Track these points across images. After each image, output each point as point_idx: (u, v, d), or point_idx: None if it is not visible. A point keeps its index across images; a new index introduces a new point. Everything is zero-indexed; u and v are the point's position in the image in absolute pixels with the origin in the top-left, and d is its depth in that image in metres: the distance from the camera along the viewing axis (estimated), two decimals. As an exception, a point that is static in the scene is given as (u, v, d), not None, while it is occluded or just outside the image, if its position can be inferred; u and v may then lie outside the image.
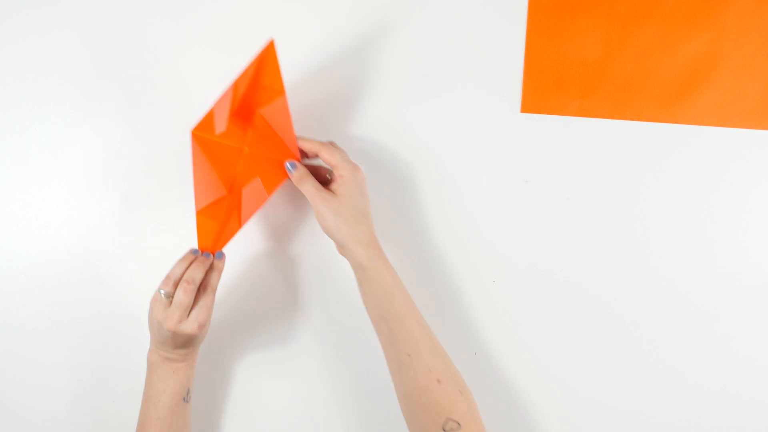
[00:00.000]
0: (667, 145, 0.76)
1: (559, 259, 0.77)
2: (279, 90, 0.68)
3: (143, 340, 0.77)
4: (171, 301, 0.67)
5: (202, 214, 0.70)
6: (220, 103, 0.67)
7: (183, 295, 0.67)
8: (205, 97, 0.78)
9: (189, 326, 0.67)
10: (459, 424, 0.63)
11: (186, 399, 0.70)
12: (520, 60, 0.76)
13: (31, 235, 0.78)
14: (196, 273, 0.68)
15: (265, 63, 0.67)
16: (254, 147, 0.70)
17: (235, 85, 0.66)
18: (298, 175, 0.70)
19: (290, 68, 0.77)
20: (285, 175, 0.72)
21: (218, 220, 0.71)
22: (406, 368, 0.65)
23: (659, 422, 0.77)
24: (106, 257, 0.78)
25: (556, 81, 0.75)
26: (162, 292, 0.68)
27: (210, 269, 0.70)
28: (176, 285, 0.67)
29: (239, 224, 0.71)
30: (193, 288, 0.67)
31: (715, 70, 0.74)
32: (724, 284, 0.76)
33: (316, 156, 0.71)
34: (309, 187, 0.69)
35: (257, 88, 0.68)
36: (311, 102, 0.78)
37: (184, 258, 0.69)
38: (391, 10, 0.77)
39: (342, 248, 0.69)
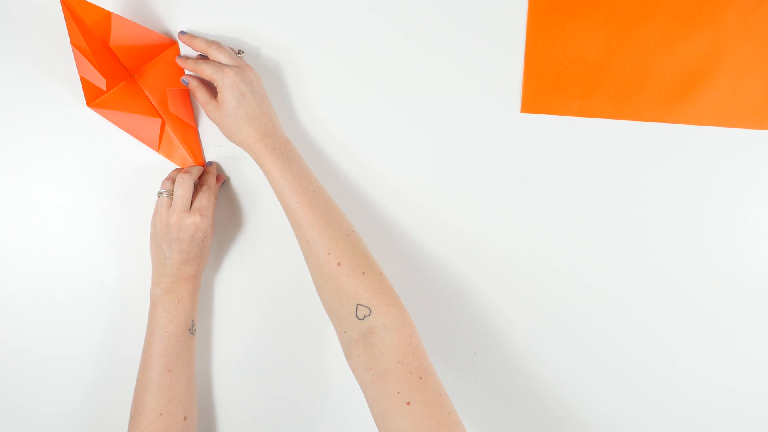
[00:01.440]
0: (667, 145, 0.76)
1: (559, 259, 0.77)
2: (102, 14, 0.70)
3: (143, 339, 0.78)
4: (175, 202, 0.70)
5: (164, 152, 0.76)
6: (81, 68, 0.71)
7: (181, 188, 0.70)
8: (205, 97, 0.78)
9: (192, 216, 0.69)
10: (369, 309, 0.61)
11: (191, 330, 0.70)
12: (520, 60, 0.76)
13: (31, 235, 0.78)
14: (192, 169, 0.73)
15: (73, 7, 0.68)
16: (137, 68, 0.75)
17: (76, 46, 0.69)
18: (191, 88, 0.73)
19: (291, 70, 0.78)
20: (179, 65, 0.76)
21: (178, 141, 0.76)
22: (308, 255, 0.65)
23: (659, 422, 0.77)
24: (106, 257, 0.78)
25: (556, 81, 0.75)
26: (163, 191, 0.71)
27: (204, 173, 0.74)
28: (171, 186, 0.71)
29: (194, 129, 0.77)
30: (190, 179, 0.71)
31: (715, 70, 0.74)
32: (724, 284, 0.76)
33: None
34: (199, 98, 0.72)
35: (89, 30, 0.70)
36: (310, 102, 0.78)
37: (176, 168, 0.75)
38: (391, 9, 0.77)
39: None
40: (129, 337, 0.78)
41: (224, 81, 0.68)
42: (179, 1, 0.77)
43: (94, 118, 0.78)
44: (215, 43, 0.72)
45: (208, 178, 0.74)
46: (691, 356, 0.76)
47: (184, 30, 0.75)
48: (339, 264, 0.63)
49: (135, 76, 0.76)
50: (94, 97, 0.74)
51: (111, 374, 0.78)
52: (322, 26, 0.77)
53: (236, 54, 0.73)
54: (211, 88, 0.73)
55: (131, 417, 0.69)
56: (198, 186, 0.73)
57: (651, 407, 0.77)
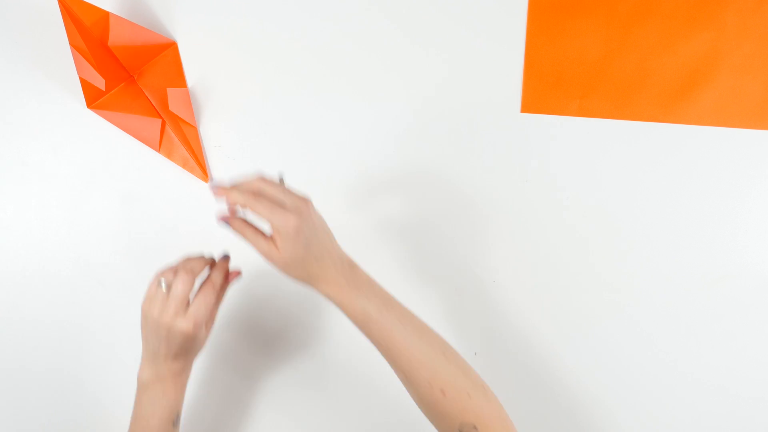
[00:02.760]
0: (667, 145, 0.76)
1: (558, 259, 0.77)
2: (100, 14, 0.70)
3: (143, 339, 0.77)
4: (172, 298, 0.62)
5: (164, 152, 0.76)
6: (80, 69, 0.71)
7: (180, 285, 0.62)
8: (205, 96, 0.78)
9: (185, 322, 0.61)
10: (475, 427, 0.60)
11: (175, 423, 0.67)
12: (520, 60, 0.76)
13: (31, 235, 0.78)
14: (196, 264, 0.64)
15: (71, 7, 0.68)
16: (136, 69, 0.75)
17: (74, 46, 0.69)
18: (237, 229, 0.62)
19: (291, 69, 0.78)
20: (177, 59, 0.76)
21: (179, 141, 0.75)
22: (408, 385, 0.62)
23: (659, 422, 0.76)
24: (106, 257, 0.78)
25: (556, 81, 0.75)
26: (162, 281, 0.63)
27: (213, 268, 0.65)
28: (170, 280, 0.63)
29: (194, 129, 0.76)
30: (191, 279, 0.63)
31: (715, 71, 0.74)
32: (724, 284, 0.76)
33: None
34: (252, 243, 0.62)
35: (87, 31, 0.70)
36: (309, 103, 0.78)
37: (187, 255, 0.65)
38: (390, 9, 0.77)
39: None
40: (129, 337, 0.78)
41: (286, 228, 0.59)
42: (177, 1, 0.77)
43: (94, 118, 0.78)
44: (260, 182, 0.61)
45: (214, 275, 0.65)
46: (691, 357, 0.76)
47: (213, 179, 0.70)
48: (443, 392, 0.61)
49: (135, 77, 0.76)
50: (94, 99, 0.74)
51: (110, 375, 0.78)
52: (320, 25, 0.77)
53: (281, 181, 0.63)
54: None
55: None
56: (203, 284, 0.64)
57: (651, 408, 0.77)
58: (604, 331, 0.77)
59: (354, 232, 0.78)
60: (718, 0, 0.73)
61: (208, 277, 0.65)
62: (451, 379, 0.61)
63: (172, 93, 0.75)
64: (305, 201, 0.62)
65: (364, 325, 0.61)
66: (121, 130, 0.78)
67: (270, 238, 0.61)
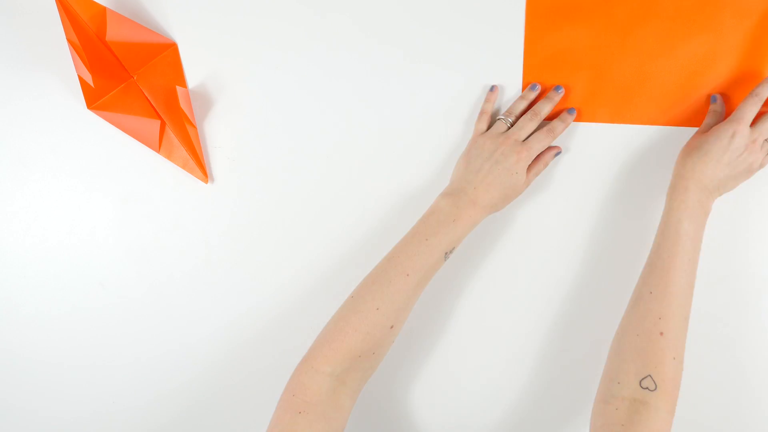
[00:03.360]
0: (667, 146, 0.76)
1: (558, 259, 0.77)
2: (97, 9, 0.70)
3: (143, 339, 0.78)
4: (512, 131, 0.69)
5: (164, 153, 0.76)
6: (79, 69, 0.71)
7: (529, 123, 0.70)
8: (205, 97, 0.78)
9: (521, 148, 0.68)
10: (656, 386, 0.61)
11: (446, 256, 0.67)
12: (519, 65, 0.76)
13: (31, 235, 0.78)
14: (544, 106, 0.71)
15: (68, 2, 0.69)
16: (136, 69, 0.75)
17: (71, 42, 0.69)
18: (712, 109, 0.71)
19: (291, 69, 0.78)
20: (177, 59, 0.76)
21: (179, 142, 0.75)
22: (640, 303, 0.64)
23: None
24: (106, 257, 0.78)
25: (554, 85, 0.75)
26: (505, 118, 0.71)
27: (557, 119, 0.72)
28: (518, 117, 0.71)
29: (194, 129, 0.76)
30: (538, 120, 0.71)
31: (714, 73, 0.74)
32: (724, 285, 0.76)
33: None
34: (710, 120, 0.72)
35: (83, 26, 0.70)
36: (310, 103, 0.78)
37: (523, 95, 0.73)
38: (389, 9, 0.77)
39: None
40: (128, 337, 0.78)
41: (727, 126, 0.67)
42: (177, 1, 0.77)
43: (94, 118, 0.78)
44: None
45: (556, 125, 0.72)
46: (692, 357, 0.76)
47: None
48: (662, 334, 0.63)
49: (135, 78, 0.76)
50: (94, 100, 0.74)
51: (110, 375, 0.78)
52: (321, 26, 0.77)
53: None
54: None
55: (351, 296, 0.66)
56: (543, 129, 0.71)
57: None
58: (603, 331, 0.76)
59: (353, 234, 0.78)
60: (716, 2, 0.73)
61: (550, 124, 0.71)
62: (679, 335, 0.63)
63: (172, 94, 0.75)
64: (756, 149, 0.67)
65: (664, 230, 0.66)
66: (121, 131, 0.78)
67: None
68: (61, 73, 0.78)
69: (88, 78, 0.72)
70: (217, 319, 0.77)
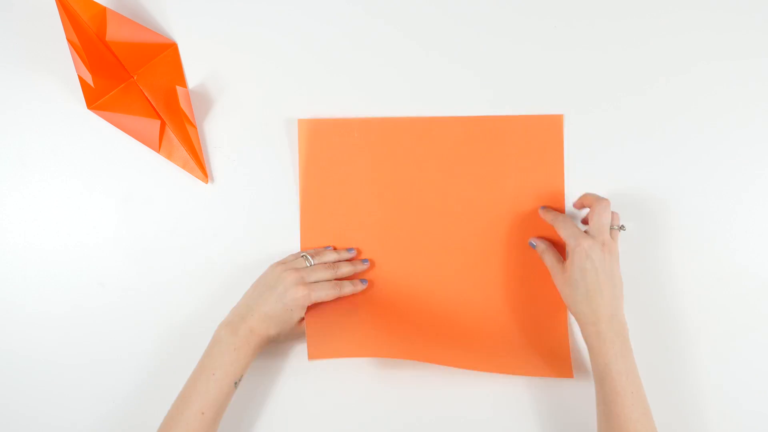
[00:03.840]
0: (667, 145, 0.76)
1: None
2: (97, 9, 0.70)
3: (143, 340, 0.78)
4: (304, 269, 0.71)
5: (164, 153, 0.76)
6: (79, 68, 0.71)
7: (323, 271, 0.72)
8: (205, 97, 0.78)
9: (304, 289, 0.69)
10: None
11: (236, 384, 0.68)
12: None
13: (31, 235, 0.78)
14: (346, 267, 0.74)
15: (68, 2, 0.69)
16: (136, 69, 0.75)
17: (71, 42, 0.69)
18: (539, 251, 0.74)
19: (291, 68, 0.78)
20: (177, 59, 0.76)
21: (178, 142, 0.75)
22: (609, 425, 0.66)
23: (659, 423, 0.76)
24: (106, 257, 0.78)
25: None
26: (309, 257, 0.72)
27: (351, 282, 0.74)
28: (319, 262, 0.73)
29: (194, 129, 0.75)
30: (333, 275, 0.72)
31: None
32: (723, 284, 0.76)
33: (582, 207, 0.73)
34: (545, 261, 0.72)
35: (83, 26, 0.70)
36: (309, 104, 0.78)
37: (339, 252, 0.75)
38: (391, 11, 0.77)
39: None
40: (128, 338, 0.78)
41: (576, 249, 0.67)
42: (177, 1, 0.77)
43: (94, 118, 0.78)
44: (603, 203, 0.69)
45: (344, 285, 0.73)
46: (692, 357, 0.76)
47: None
48: None
49: (135, 78, 0.76)
50: (94, 100, 0.74)
51: (110, 375, 0.78)
52: (321, 26, 0.77)
53: (617, 227, 0.71)
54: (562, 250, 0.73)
55: None
56: (335, 282, 0.73)
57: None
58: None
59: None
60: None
61: (342, 282, 0.73)
62: None
63: (172, 94, 0.75)
64: (610, 243, 0.68)
65: (599, 377, 0.67)
66: (121, 131, 0.78)
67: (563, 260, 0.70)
68: (61, 73, 0.78)
69: (88, 78, 0.72)
70: (217, 319, 0.77)
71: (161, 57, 0.76)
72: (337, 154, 0.75)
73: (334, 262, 0.74)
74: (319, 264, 0.73)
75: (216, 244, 0.78)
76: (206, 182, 0.78)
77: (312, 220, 0.76)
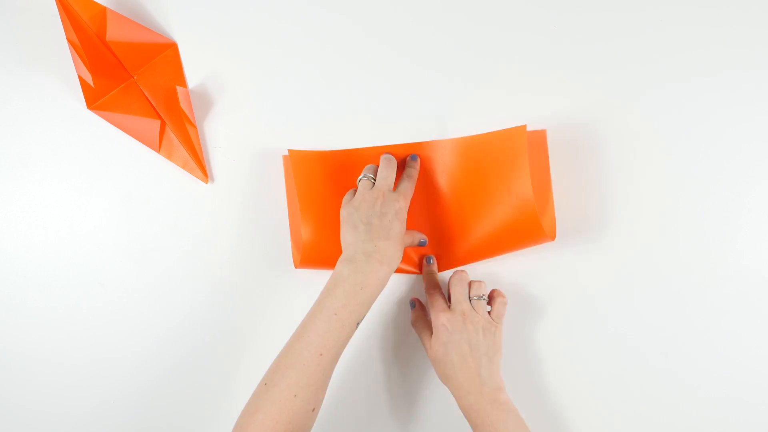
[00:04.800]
0: (666, 144, 0.76)
1: (558, 260, 0.77)
2: (97, 9, 0.70)
3: (143, 339, 0.78)
4: (382, 182, 0.69)
5: (164, 153, 0.76)
6: (79, 68, 0.71)
7: (386, 171, 0.70)
8: (205, 97, 0.78)
9: (396, 196, 0.68)
10: None
11: (358, 324, 0.65)
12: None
13: (31, 235, 0.78)
14: (391, 156, 0.72)
15: (68, 2, 0.69)
16: (136, 69, 0.75)
17: (71, 42, 0.69)
18: (412, 318, 0.75)
19: (291, 68, 0.78)
20: (177, 60, 0.76)
21: (178, 142, 0.75)
22: None
23: (659, 424, 0.76)
24: (106, 257, 0.78)
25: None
26: (364, 176, 0.70)
27: (407, 165, 0.73)
28: (375, 172, 0.71)
29: (194, 129, 0.75)
30: (394, 163, 0.71)
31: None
32: (723, 285, 0.76)
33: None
34: (417, 332, 0.73)
35: (83, 26, 0.70)
36: (310, 104, 0.78)
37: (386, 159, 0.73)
38: (390, 12, 0.77)
39: None
40: (128, 338, 0.78)
41: (436, 324, 0.69)
42: (177, 1, 0.77)
43: (94, 118, 0.78)
44: (457, 275, 0.71)
45: (410, 171, 0.73)
46: (692, 357, 0.76)
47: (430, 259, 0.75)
48: None
49: (135, 78, 0.76)
50: (94, 99, 0.75)
51: (110, 375, 0.78)
52: (321, 26, 0.77)
53: (476, 298, 0.70)
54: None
55: (264, 384, 0.62)
56: (399, 179, 0.72)
57: (650, 409, 0.77)
58: (602, 332, 0.77)
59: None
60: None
61: (406, 171, 0.73)
62: None
63: (172, 94, 0.75)
64: (478, 318, 0.69)
65: None
66: (121, 131, 0.78)
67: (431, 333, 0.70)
68: (61, 73, 0.78)
69: (88, 78, 0.72)
70: (217, 319, 0.77)
71: (161, 57, 0.76)
72: (325, 183, 0.74)
73: (385, 157, 0.72)
74: (381, 170, 0.71)
75: (216, 244, 0.78)
76: (206, 182, 0.78)
77: (303, 241, 0.74)
